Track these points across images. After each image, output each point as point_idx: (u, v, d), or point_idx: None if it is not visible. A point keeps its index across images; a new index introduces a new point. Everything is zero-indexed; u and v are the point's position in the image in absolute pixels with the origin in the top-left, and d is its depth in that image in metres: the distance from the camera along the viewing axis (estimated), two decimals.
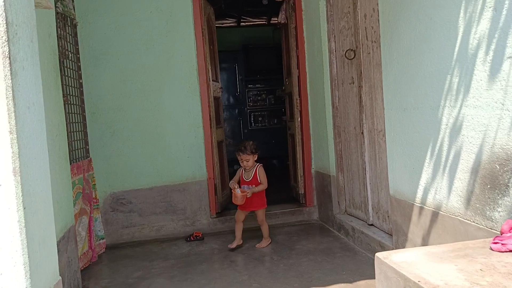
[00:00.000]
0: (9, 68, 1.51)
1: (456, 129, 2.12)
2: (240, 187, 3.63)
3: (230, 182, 3.71)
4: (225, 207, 4.85)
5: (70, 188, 3.09)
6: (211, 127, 4.45)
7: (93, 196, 3.87)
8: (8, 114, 1.51)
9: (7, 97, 1.50)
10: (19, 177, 1.51)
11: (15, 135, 1.52)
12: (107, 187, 4.21)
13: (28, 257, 1.51)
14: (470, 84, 2.01)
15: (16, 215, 1.50)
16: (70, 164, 3.16)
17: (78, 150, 3.68)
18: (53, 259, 1.80)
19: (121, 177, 4.24)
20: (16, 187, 1.51)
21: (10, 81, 1.52)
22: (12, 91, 1.52)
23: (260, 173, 3.64)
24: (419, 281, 1.35)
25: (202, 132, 4.41)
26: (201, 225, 4.42)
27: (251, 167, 3.65)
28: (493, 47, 1.85)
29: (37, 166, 1.71)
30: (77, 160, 3.59)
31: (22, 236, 1.50)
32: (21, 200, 1.51)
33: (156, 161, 4.32)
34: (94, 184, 3.93)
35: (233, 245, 3.64)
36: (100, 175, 4.10)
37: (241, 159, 3.61)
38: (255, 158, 3.65)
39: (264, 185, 3.63)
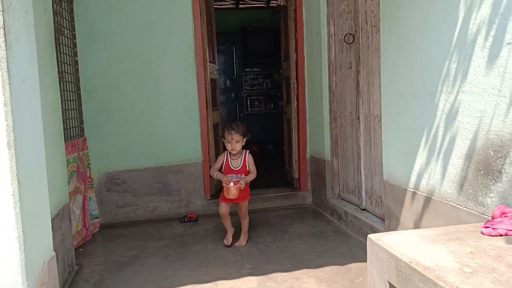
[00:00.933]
0: (3, 39, 1.49)
1: (452, 115, 2.13)
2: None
3: (213, 171, 3.24)
4: (220, 189, 4.85)
5: (64, 166, 3.08)
6: (207, 109, 4.43)
7: (88, 175, 3.87)
8: (3, 86, 1.49)
9: (1, 69, 1.49)
10: (14, 150, 1.51)
11: (10, 108, 1.51)
12: (101, 167, 4.20)
13: (23, 231, 1.51)
14: (468, 70, 2.01)
15: (11, 188, 1.50)
16: (65, 142, 3.14)
17: (73, 129, 3.66)
18: (47, 235, 1.81)
19: (116, 157, 4.23)
20: (10, 160, 1.50)
21: (5, 52, 1.50)
22: (7, 63, 1.50)
23: (250, 160, 3.22)
24: (410, 262, 1.37)
25: (198, 114, 4.39)
26: (196, 206, 4.44)
27: (238, 153, 3.20)
28: (492, 32, 1.84)
29: (32, 140, 1.70)
30: (72, 138, 3.57)
31: (16, 210, 1.50)
32: (15, 174, 1.51)
33: (151, 142, 4.31)
34: (89, 163, 3.92)
35: (229, 240, 3.31)
36: (95, 154, 4.08)
37: (231, 139, 3.11)
38: (243, 143, 3.17)
39: (254, 174, 3.22)
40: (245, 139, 3.16)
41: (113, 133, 4.22)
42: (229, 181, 3.08)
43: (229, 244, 3.27)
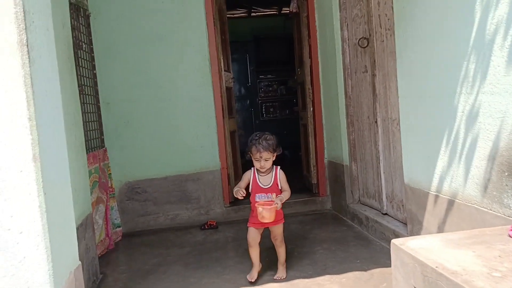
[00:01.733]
0: (27, 56, 1.54)
1: (472, 116, 2.09)
2: (248, 196, 2.74)
3: (236, 190, 2.68)
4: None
5: (87, 177, 3.14)
6: (223, 117, 4.47)
7: (109, 185, 3.93)
8: (27, 101, 1.54)
9: (25, 85, 1.53)
10: (39, 163, 1.55)
11: (34, 122, 1.55)
12: (122, 177, 4.27)
13: (50, 241, 1.55)
14: (487, 70, 1.98)
15: (37, 200, 1.53)
16: (87, 153, 3.21)
17: (94, 140, 3.74)
18: (73, 244, 1.84)
19: (136, 166, 4.30)
20: (36, 173, 1.54)
21: (29, 68, 1.54)
22: (31, 79, 1.55)
23: (282, 177, 2.73)
24: (436, 267, 1.35)
25: (215, 122, 4.42)
26: (215, 214, 4.46)
27: (268, 170, 2.70)
28: (511, 31, 1.82)
29: (56, 152, 1.74)
30: (93, 149, 3.64)
31: (43, 221, 1.54)
32: (41, 186, 1.55)
33: (169, 151, 4.36)
34: (110, 174, 3.99)
35: (253, 277, 2.73)
36: (115, 164, 4.15)
37: (260, 158, 2.60)
38: (274, 158, 2.68)
39: (288, 192, 2.72)
40: (275, 155, 2.65)
41: (132, 144, 4.29)
42: (242, 193, 2.63)
43: (253, 280, 2.71)
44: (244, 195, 2.63)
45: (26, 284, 1.52)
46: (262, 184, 2.69)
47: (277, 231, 2.75)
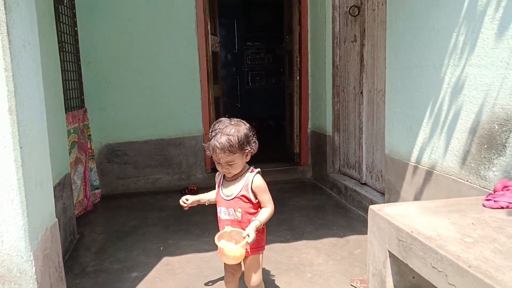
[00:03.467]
0: (3, 3, 1.45)
1: (457, 89, 2.10)
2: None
3: (198, 199, 1.94)
4: None
5: (65, 136, 3.07)
6: (208, 82, 4.39)
7: (88, 146, 3.86)
8: (3, 50, 1.46)
9: (1, 33, 1.45)
10: (15, 116, 1.49)
11: (11, 73, 1.48)
12: (102, 138, 4.19)
13: (25, 196, 1.51)
14: (476, 42, 1.97)
15: (13, 154, 1.48)
16: (66, 112, 3.13)
17: (73, 100, 3.64)
18: (49, 201, 1.81)
19: (117, 128, 4.22)
20: (12, 126, 1.48)
21: (4, 16, 1.46)
22: (7, 27, 1.46)
23: (258, 186, 1.77)
24: (411, 232, 1.38)
25: (199, 87, 4.35)
26: (196, 179, 4.46)
27: (236, 175, 1.79)
28: (503, 3, 1.80)
29: (33, 107, 1.68)
30: (73, 109, 3.55)
31: (18, 175, 1.50)
32: (17, 140, 1.49)
33: (151, 114, 4.29)
34: (89, 135, 3.91)
35: None
36: (96, 125, 4.07)
37: (218, 160, 1.74)
38: (247, 157, 1.79)
39: (269, 210, 1.79)
40: (247, 153, 1.77)
41: (113, 105, 4.19)
42: (184, 203, 1.92)
43: None
44: (187, 205, 1.92)
45: (0, 238, 1.49)
46: (224, 195, 1.81)
47: (250, 265, 1.84)
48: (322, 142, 4.14)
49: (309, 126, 4.56)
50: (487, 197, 1.63)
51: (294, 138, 4.76)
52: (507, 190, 1.66)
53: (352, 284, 2.22)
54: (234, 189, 1.78)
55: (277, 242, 2.81)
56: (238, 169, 1.76)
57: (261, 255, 1.86)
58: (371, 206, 1.66)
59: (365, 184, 3.47)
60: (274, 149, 5.70)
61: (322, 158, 4.18)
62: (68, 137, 3.19)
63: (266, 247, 2.76)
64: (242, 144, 1.71)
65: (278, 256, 2.60)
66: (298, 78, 4.53)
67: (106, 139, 4.21)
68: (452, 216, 1.51)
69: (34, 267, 1.53)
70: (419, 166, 2.44)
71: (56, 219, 1.86)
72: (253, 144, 1.77)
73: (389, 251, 1.52)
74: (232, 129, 1.71)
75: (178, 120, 4.34)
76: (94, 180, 3.98)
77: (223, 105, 5.23)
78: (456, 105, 2.11)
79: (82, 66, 3.94)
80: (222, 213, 1.82)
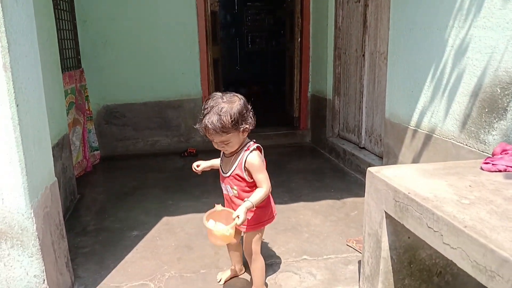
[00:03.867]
0: None
1: (461, 51, 2.06)
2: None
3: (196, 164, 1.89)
4: None
5: (62, 96, 3.04)
6: (207, 43, 4.30)
7: (86, 107, 3.84)
8: None
9: None
10: (10, 73, 1.46)
11: (3, 28, 1.43)
12: (100, 99, 4.16)
13: (23, 154, 1.51)
14: (483, 3, 1.91)
15: (9, 112, 1.47)
16: (62, 72, 3.08)
17: (70, 60, 3.57)
18: (48, 160, 1.81)
19: (115, 90, 4.17)
20: (7, 83, 1.46)
21: None
22: None
23: (252, 164, 1.67)
24: (409, 193, 1.39)
25: (198, 48, 4.26)
26: (195, 142, 4.46)
27: (237, 150, 1.71)
28: None
29: (29, 64, 1.64)
30: (69, 69, 3.49)
31: (16, 133, 1.49)
32: (13, 97, 1.47)
33: (150, 76, 4.23)
34: (87, 96, 3.87)
35: (222, 278, 1.99)
36: (93, 86, 4.02)
37: (212, 140, 1.66)
38: (244, 134, 1.67)
39: (264, 190, 1.67)
40: (245, 130, 1.64)
41: (111, 66, 4.12)
42: (197, 170, 1.87)
43: (220, 282, 1.98)
44: (199, 171, 1.88)
45: (0, 196, 1.50)
46: (223, 171, 1.77)
47: (247, 239, 1.81)
48: (322, 106, 4.12)
49: (309, 89, 4.52)
50: (485, 160, 1.64)
51: (293, 102, 4.72)
52: (505, 153, 1.66)
53: (348, 244, 2.27)
54: (230, 166, 1.71)
55: (276, 204, 2.83)
56: (234, 147, 1.67)
57: (257, 232, 1.78)
58: (369, 168, 1.66)
59: (363, 148, 3.48)
60: (274, 113, 5.68)
61: (321, 122, 4.17)
62: (65, 98, 3.15)
63: None
64: (235, 123, 1.59)
65: (276, 217, 2.63)
66: (299, 40, 4.43)
67: (104, 100, 4.17)
68: (450, 178, 1.51)
69: (35, 224, 1.55)
70: (418, 130, 2.44)
71: (56, 178, 1.87)
72: (249, 120, 1.65)
73: (385, 212, 1.53)
74: (224, 107, 1.59)
75: (177, 82, 4.29)
76: (93, 142, 3.98)
77: (222, 67, 5.15)
78: (459, 68, 2.08)
79: (78, 25, 3.84)
80: (223, 187, 1.78)
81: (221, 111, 1.58)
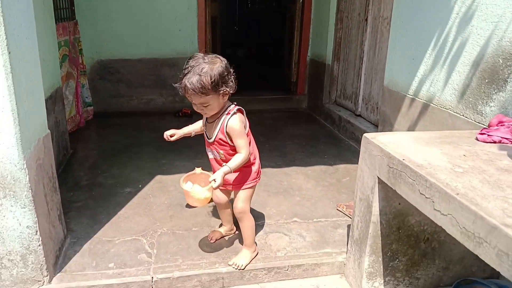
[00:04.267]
0: None
1: (466, 19, 2.01)
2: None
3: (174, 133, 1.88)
4: None
5: (56, 48, 2.96)
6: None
7: (80, 61, 3.75)
8: None
9: None
10: (1, 18, 1.40)
11: None
12: (94, 54, 4.06)
13: (16, 103, 1.47)
14: None
15: (1, 58, 1.42)
16: (55, 23, 2.98)
17: (63, 10, 3.45)
18: (41, 112, 1.78)
19: (109, 44, 4.07)
20: None
21: None
22: None
23: (233, 129, 1.65)
24: (403, 159, 1.39)
25: (196, 4, 4.13)
26: (190, 102, 4.41)
27: (215, 115, 1.68)
28: None
29: (21, 10, 1.58)
30: (62, 20, 3.38)
31: (8, 81, 1.45)
32: (5, 44, 1.42)
33: (146, 31, 4.11)
34: (81, 49, 3.78)
35: (212, 236, 2.00)
36: (87, 40, 3.91)
37: (191, 101, 1.65)
38: (225, 98, 1.64)
39: (242, 156, 1.66)
40: (224, 93, 1.60)
41: (105, 19, 4.00)
42: (166, 136, 1.86)
43: (211, 241, 1.98)
44: (172, 140, 1.88)
45: None
46: (207, 136, 1.77)
47: (236, 198, 1.79)
48: (320, 71, 4.06)
49: (309, 54, 4.44)
50: (481, 131, 1.64)
51: (292, 66, 4.65)
52: (502, 125, 1.66)
53: (338, 208, 2.31)
54: (213, 131, 1.70)
55: (269, 167, 2.86)
56: (213, 110, 1.63)
57: (247, 191, 1.78)
58: (365, 134, 1.66)
59: (359, 115, 3.47)
60: (271, 77, 5.61)
61: (318, 88, 4.13)
62: (58, 50, 3.07)
63: None
64: (216, 85, 1.54)
65: (269, 180, 2.66)
66: (301, 0, 4.31)
67: (98, 54, 4.08)
68: (445, 147, 1.52)
69: (27, 176, 1.54)
70: (416, 98, 2.42)
71: (49, 131, 1.84)
72: (230, 84, 1.59)
73: (378, 177, 1.55)
74: (205, 67, 1.54)
75: (173, 39, 4.19)
76: (87, 97, 3.92)
77: (220, 27, 5.02)
78: (462, 36, 2.04)
79: None
80: (209, 152, 1.78)
81: (201, 71, 1.54)
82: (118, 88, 4.22)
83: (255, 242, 1.91)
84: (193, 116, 4.16)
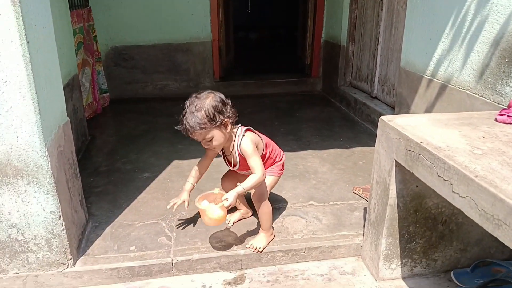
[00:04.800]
0: None
1: None
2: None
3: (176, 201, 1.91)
4: (229, 72, 4.80)
5: (71, 35, 2.99)
6: None
7: (95, 48, 3.78)
8: None
9: None
10: (19, 8, 1.42)
11: None
12: (108, 40, 4.08)
13: (36, 92, 1.50)
14: None
15: (20, 49, 1.44)
16: (70, 10, 3.00)
17: None
18: (60, 99, 1.81)
19: (123, 31, 4.08)
20: (17, 18, 1.42)
21: None
22: None
23: (246, 150, 1.72)
24: (421, 142, 1.38)
25: None
26: (204, 88, 4.34)
27: (230, 144, 1.78)
28: None
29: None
30: (77, 7, 3.39)
31: (28, 71, 1.47)
32: (23, 33, 1.44)
33: (158, 16, 4.11)
34: (95, 36, 3.80)
35: (231, 221, 2.03)
36: (101, 27, 3.93)
37: (196, 140, 1.72)
38: (228, 128, 1.69)
39: (258, 175, 1.69)
40: (223, 124, 1.66)
41: (118, 5, 4.00)
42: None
43: (229, 224, 2.02)
44: (186, 207, 1.90)
45: (15, 134, 1.52)
46: (232, 165, 1.85)
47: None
48: (335, 53, 4.01)
49: (323, 35, 4.38)
50: (500, 112, 1.61)
51: (306, 48, 4.60)
52: None
53: (355, 191, 2.31)
54: (235, 161, 1.79)
55: (284, 151, 2.82)
56: (220, 143, 1.69)
57: (273, 178, 1.90)
58: (382, 117, 1.65)
59: (375, 97, 3.43)
60: (285, 60, 5.57)
61: (333, 70, 4.08)
62: (74, 38, 3.10)
63: None
64: (211, 118, 1.61)
65: (285, 163, 2.66)
66: None
67: (113, 41, 4.10)
68: (463, 128, 1.50)
69: (49, 163, 1.58)
70: (433, 79, 2.38)
71: (68, 118, 1.88)
72: (228, 113, 1.65)
73: (395, 160, 1.54)
74: (198, 104, 1.62)
75: (186, 23, 4.17)
76: (102, 84, 3.96)
77: (232, 9, 4.98)
78: (481, 15, 1.98)
79: None
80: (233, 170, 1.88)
81: (195, 108, 1.62)
82: (133, 74, 4.25)
83: (272, 227, 1.94)
84: None
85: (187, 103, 1.66)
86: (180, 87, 4.39)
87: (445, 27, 2.25)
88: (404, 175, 1.56)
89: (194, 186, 1.96)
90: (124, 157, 2.81)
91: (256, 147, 1.77)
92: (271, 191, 2.01)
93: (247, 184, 1.68)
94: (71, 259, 1.73)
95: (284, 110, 3.91)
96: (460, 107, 2.15)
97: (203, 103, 1.62)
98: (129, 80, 4.26)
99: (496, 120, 1.59)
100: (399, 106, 2.79)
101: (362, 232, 1.94)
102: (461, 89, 2.14)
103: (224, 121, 1.65)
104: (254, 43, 7.61)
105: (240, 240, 1.90)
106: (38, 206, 1.62)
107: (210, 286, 1.72)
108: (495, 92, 1.92)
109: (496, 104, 1.90)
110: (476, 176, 1.12)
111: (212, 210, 1.66)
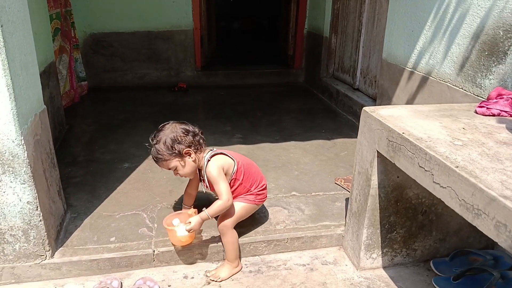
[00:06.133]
0: None
1: None
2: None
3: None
4: (211, 62, 4.75)
5: (48, 21, 2.89)
6: None
7: (72, 34, 3.67)
8: None
9: None
10: None
11: None
12: (86, 27, 3.97)
13: (11, 78, 1.45)
14: None
15: None
16: None
17: None
18: (36, 87, 1.75)
19: (101, 17, 3.98)
20: None
21: None
22: None
23: (209, 178, 1.70)
24: (403, 133, 1.39)
25: None
26: (186, 77, 4.37)
27: (201, 169, 1.76)
28: None
29: None
30: None
31: (2, 56, 1.41)
32: None
33: (139, 3, 4.02)
34: (73, 22, 3.69)
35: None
36: (79, 12, 3.82)
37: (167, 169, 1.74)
38: (191, 156, 1.68)
39: (223, 201, 1.65)
40: (184, 153, 1.66)
41: None
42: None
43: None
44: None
45: None
46: (208, 185, 1.78)
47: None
48: (318, 44, 4.01)
49: (306, 26, 4.37)
50: (480, 104, 1.64)
51: (288, 39, 4.59)
52: (501, 98, 1.66)
53: (336, 182, 2.33)
54: (206, 183, 1.75)
55: (266, 142, 2.87)
56: (185, 171, 1.70)
57: (244, 205, 1.76)
58: (364, 108, 1.65)
59: (357, 89, 3.46)
60: (267, 51, 5.54)
61: (316, 62, 4.09)
62: (50, 23, 3.00)
63: (255, 145, 2.80)
64: (171, 149, 1.64)
65: (267, 154, 2.67)
66: None
67: (91, 28, 3.99)
68: (444, 120, 1.52)
69: (26, 152, 1.53)
70: (415, 71, 2.40)
71: (45, 106, 1.82)
72: (186, 143, 1.65)
73: (377, 151, 1.55)
74: (159, 136, 1.68)
75: (167, 10, 4.09)
76: (80, 72, 3.86)
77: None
78: (462, 8, 2.00)
79: None
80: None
81: (156, 142, 1.68)
82: (112, 62, 4.15)
83: (239, 258, 1.78)
84: (189, 90, 4.12)
85: (152, 135, 1.72)
86: (160, 76, 4.32)
87: (427, 20, 2.27)
88: (385, 165, 1.58)
89: (191, 206, 1.93)
90: (103, 147, 2.75)
91: (226, 172, 1.72)
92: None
93: (211, 210, 1.66)
94: (49, 250, 1.69)
95: (267, 101, 3.90)
96: (440, 99, 2.18)
97: (163, 135, 1.67)
98: (108, 68, 4.17)
99: (476, 112, 1.62)
100: (381, 98, 2.81)
101: (344, 223, 1.96)
102: (442, 81, 2.17)
103: (184, 151, 1.65)
104: (236, 32, 7.55)
105: None
106: (14, 196, 1.57)
107: (192, 277, 1.71)
108: (475, 85, 1.95)
109: (476, 96, 1.94)
110: (457, 167, 1.14)
111: (178, 230, 1.65)
